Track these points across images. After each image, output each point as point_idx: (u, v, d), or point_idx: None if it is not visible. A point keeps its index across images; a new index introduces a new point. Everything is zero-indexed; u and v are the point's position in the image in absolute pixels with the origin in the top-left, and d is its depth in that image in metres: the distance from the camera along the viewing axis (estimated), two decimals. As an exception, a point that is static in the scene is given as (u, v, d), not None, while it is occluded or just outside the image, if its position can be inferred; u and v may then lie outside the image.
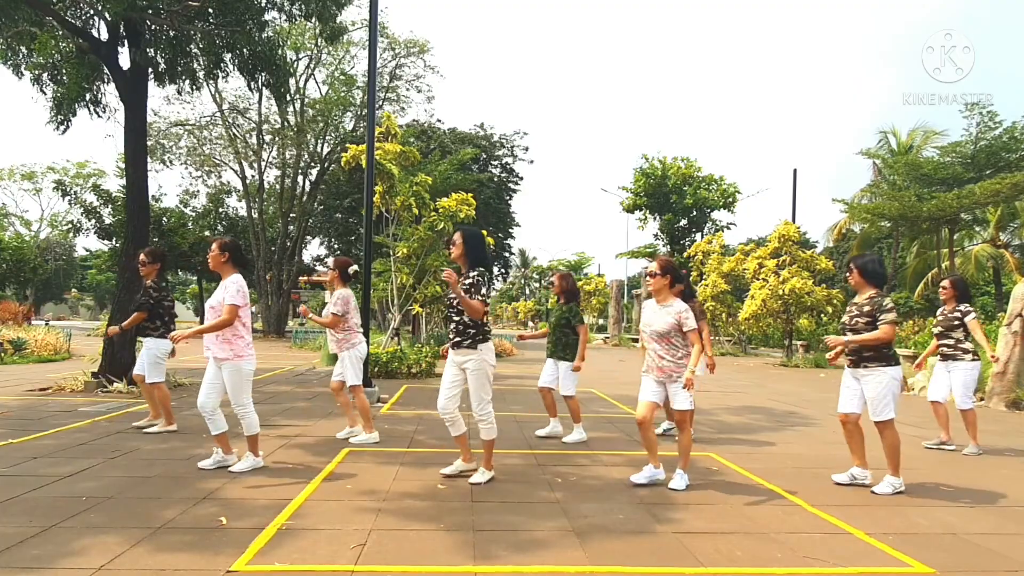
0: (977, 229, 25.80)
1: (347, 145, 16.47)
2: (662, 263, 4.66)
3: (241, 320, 4.66)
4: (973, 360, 6.22)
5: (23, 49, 10.01)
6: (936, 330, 6.49)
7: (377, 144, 12.77)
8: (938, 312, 6.59)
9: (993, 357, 6.48)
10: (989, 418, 8.52)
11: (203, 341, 4.71)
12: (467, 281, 4.48)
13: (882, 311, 4.55)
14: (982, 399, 9.74)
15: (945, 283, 6.47)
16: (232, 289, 4.65)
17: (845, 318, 4.86)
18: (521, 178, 37.34)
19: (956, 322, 6.26)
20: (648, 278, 4.70)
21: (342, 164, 13.38)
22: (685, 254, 26.09)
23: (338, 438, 6.05)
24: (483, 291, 4.45)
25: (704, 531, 3.65)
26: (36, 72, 10.24)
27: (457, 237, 4.59)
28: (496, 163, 34.85)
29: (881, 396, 4.56)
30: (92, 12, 9.78)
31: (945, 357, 6.36)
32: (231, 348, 4.64)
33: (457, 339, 4.54)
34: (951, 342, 6.29)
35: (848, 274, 4.87)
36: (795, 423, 7.65)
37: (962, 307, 6.30)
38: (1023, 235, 27.36)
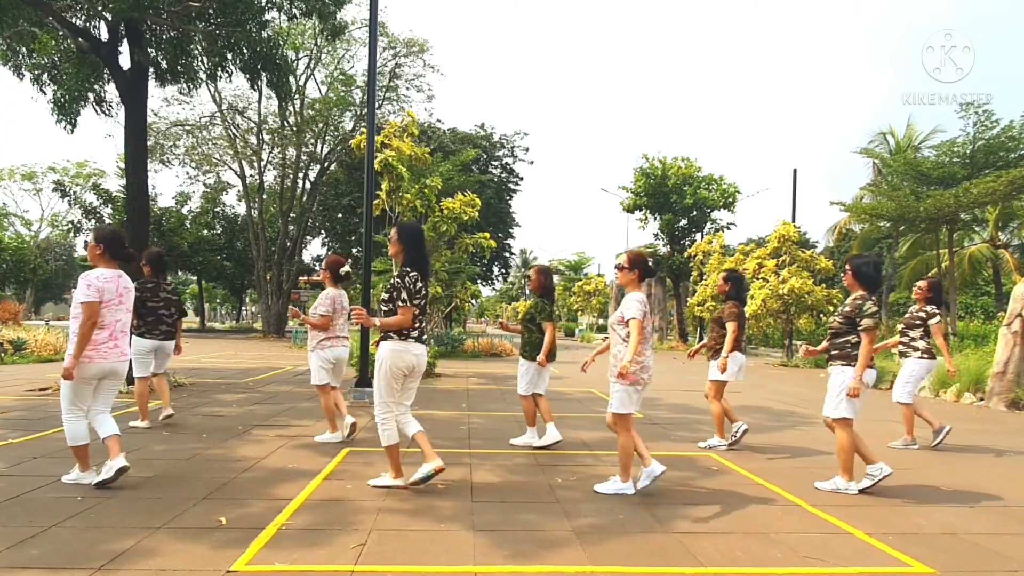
0: (977, 229, 25.78)
1: (360, 130, 16.43)
2: (631, 256, 4.33)
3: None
4: (921, 358, 6.31)
5: (24, 49, 10.01)
6: (900, 327, 6.68)
7: (392, 142, 12.65)
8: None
9: (951, 372, 6.83)
10: (989, 418, 8.52)
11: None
12: (390, 283, 4.18)
13: (862, 315, 4.44)
14: (982, 399, 9.74)
15: (921, 283, 6.56)
16: (81, 286, 4.01)
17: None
18: (521, 178, 37.45)
19: (918, 321, 6.41)
20: (616, 271, 4.45)
21: (351, 144, 13.27)
22: (685, 254, 26.09)
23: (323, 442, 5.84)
24: (403, 296, 4.09)
25: (704, 531, 3.65)
26: (36, 72, 10.24)
27: (393, 233, 4.29)
28: (496, 163, 34.89)
29: (836, 392, 4.51)
30: (92, 12, 9.78)
31: (901, 353, 6.56)
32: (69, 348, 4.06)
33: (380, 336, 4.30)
34: (906, 339, 6.47)
35: (843, 274, 4.86)
36: (795, 423, 7.65)
37: (928, 308, 6.42)
38: (1023, 235, 27.34)
